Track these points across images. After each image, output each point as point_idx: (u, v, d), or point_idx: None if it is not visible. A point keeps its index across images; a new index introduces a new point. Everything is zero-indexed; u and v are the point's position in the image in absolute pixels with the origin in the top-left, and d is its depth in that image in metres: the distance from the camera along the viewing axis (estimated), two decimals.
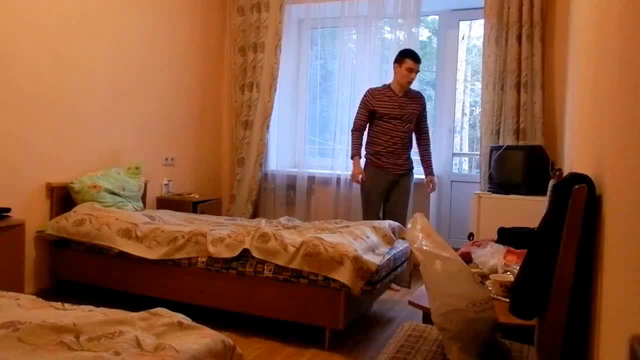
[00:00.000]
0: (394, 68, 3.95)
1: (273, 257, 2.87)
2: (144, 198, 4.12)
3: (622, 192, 0.94)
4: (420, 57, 3.93)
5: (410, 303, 2.07)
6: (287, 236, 2.98)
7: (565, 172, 2.67)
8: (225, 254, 2.97)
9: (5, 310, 1.80)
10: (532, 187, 3.51)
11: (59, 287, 3.51)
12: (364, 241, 2.97)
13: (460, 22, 4.76)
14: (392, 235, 3.28)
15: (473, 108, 5.04)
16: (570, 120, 3.01)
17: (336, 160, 4.79)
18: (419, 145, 4.10)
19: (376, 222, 3.40)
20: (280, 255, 2.85)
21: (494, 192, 3.73)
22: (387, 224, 3.38)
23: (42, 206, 3.48)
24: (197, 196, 4.50)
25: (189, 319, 1.81)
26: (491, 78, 4.13)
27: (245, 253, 2.95)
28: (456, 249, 2.08)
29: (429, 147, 4.10)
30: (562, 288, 1.23)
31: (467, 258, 2.48)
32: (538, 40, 3.97)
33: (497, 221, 3.06)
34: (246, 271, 2.93)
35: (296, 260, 2.81)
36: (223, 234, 3.08)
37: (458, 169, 4.93)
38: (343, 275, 2.69)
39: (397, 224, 3.49)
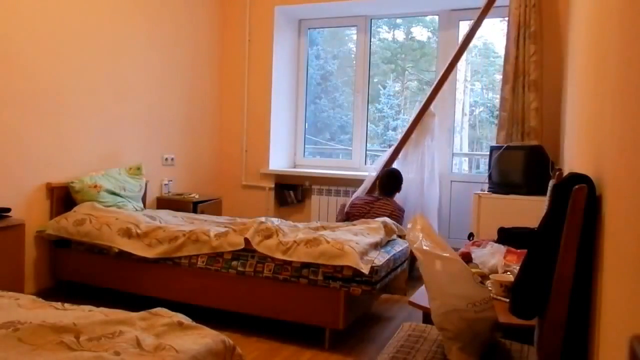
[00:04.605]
0: None
1: (273, 252, 2.87)
2: (143, 198, 4.11)
3: (622, 192, 0.94)
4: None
5: (410, 303, 2.08)
6: (289, 233, 3.02)
7: (565, 172, 2.67)
8: (229, 247, 2.98)
9: (5, 310, 1.80)
10: (532, 187, 3.50)
11: (59, 287, 3.51)
12: (363, 237, 3.00)
13: (460, 22, 4.76)
14: (385, 230, 3.27)
15: (473, 108, 5.04)
16: (570, 120, 3.01)
17: (335, 160, 4.79)
18: None
19: (371, 220, 3.41)
20: (279, 249, 2.86)
21: (494, 192, 3.72)
22: (381, 221, 3.39)
23: (42, 206, 3.48)
24: (197, 196, 4.49)
25: (189, 319, 1.81)
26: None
27: (245, 252, 2.96)
28: (456, 249, 2.08)
29: None
30: (562, 288, 1.23)
31: (467, 258, 2.48)
32: (538, 40, 3.97)
33: (497, 221, 3.06)
34: (246, 271, 2.93)
35: (297, 252, 2.81)
36: (227, 229, 3.11)
37: (458, 169, 4.93)
38: (349, 259, 2.68)
39: (392, 221, 3.50)
